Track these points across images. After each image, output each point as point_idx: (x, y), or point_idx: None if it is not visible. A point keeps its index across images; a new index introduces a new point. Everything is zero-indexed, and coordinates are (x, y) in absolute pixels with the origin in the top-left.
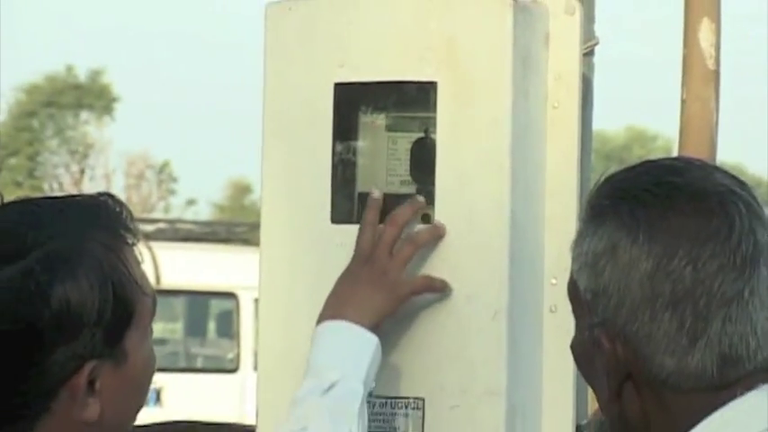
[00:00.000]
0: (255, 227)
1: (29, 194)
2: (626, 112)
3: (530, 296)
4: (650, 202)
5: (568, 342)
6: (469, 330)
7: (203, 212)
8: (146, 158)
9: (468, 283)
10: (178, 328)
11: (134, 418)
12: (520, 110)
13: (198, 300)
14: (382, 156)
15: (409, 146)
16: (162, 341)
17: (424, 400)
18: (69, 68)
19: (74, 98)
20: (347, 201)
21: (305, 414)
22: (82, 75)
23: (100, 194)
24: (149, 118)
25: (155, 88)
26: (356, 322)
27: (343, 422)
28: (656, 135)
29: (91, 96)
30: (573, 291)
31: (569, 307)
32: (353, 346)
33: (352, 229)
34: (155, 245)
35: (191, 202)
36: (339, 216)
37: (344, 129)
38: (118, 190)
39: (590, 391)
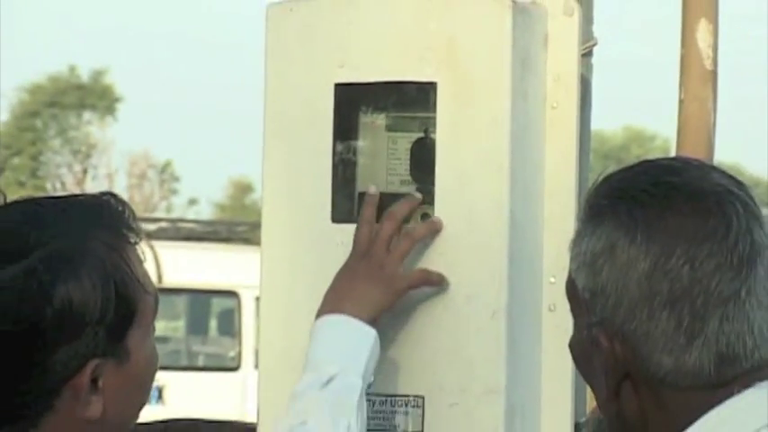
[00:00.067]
0: (256, 226)
1: (32, 194)
2: (624, 112)
3: (529, 295)
4: (648, 201)
5: (567, 341)
6: (469, 329)
7: (205, 212)
8: (148, 158)
9: (468, 283)
10: (180, 326)
11: (137, 416)
12: (519, 110)
13: (199, 298)
14: (382, 155)
15: (409, 146)
16: (164, 339)
17: (423, 398)
18: (72, 69)
19: (77, 98)
20: (347, 200)
21: (304, 408)
22: (85, 75)
23: (102, 194)
24: (151, 118)
25: (157, 89)
26: (354, 316)
27: (342, 415)
28: (654, 135)
29: (93, 97)
30: (571, 290)
31: (568, 306)
32: (352, 339)
33: (353, 229)
34: (157, 244)
35: (192, 202)
36: (339, 215)
37: (345, 129)
38: (120, 189)
39: (588, 389)
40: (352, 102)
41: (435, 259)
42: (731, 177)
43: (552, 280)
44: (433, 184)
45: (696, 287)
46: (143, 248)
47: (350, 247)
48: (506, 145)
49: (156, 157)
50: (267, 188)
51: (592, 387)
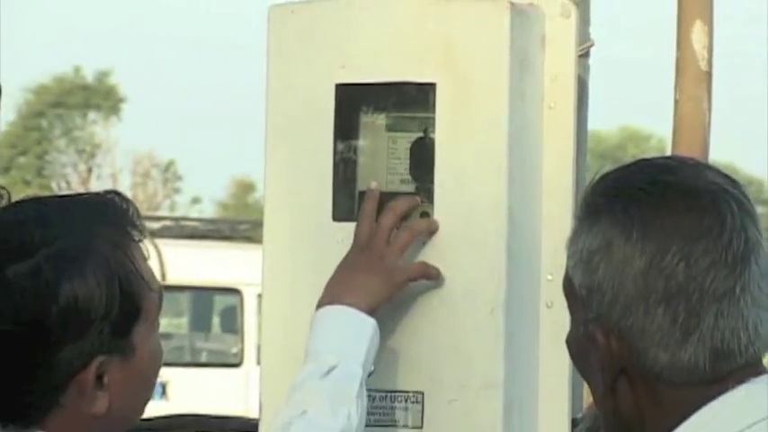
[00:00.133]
0: (258, 224)
1: (37, 193)
2: (620, 112)
3: (526, 292)
4: (644, 200)
5: (564, 337)
6: (467, 326)
7: (208, 210)
8: (151, 158)
9: (467, 280)
10: (183, 323)
11: (142, 411)
12: (517, 110)
13: (202, 295)
14: (382, 155)
15: (409, 145)
16: (167, 336)
17: (423, 393)
18: (77, 69)
19: (81, 99)
20: (348, 199)
21: (304, 398)
22: (89, 76)
23: (107, 192)
24: (155, 118)
25: (160, 89)
26: (354, 306)
27: (342, 405)
28: (650, 135)
29: (98, 97)
30: (568, 287)
31: (565, 303)
32: (351, 329)
33: (353, 227)
34: (160, 242)
35: (195, 201)
36: (340, 214)
37: (346, 128)
38: (124, 188)
39: (585, 385)
40: (353, 102)
41: (435, 257)
42: (726, 176)
43: (550, 277)
44: (432, 183)
45: (691, 284)
46: (147, 246)
47: (350, 245)
48: (504, 144)
49: (159, 157)
50: (269, 187)
51: (588, 383)
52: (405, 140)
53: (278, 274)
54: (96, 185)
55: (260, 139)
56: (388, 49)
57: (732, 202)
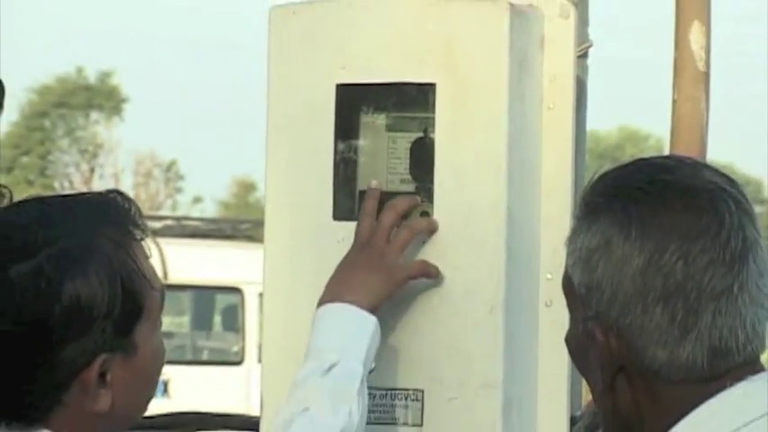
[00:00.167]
0: (259, 224)
1: (40, 192)
2: (619, 112)
3: (526, 291)
4: (643, 199)
5: (563, 336)
6: (467, 324)
7: (209, 210)
8: (153, 157)
9: (466, 279)
10: (185, 321)
11: (145, 409)
12: (516, 111)
13: (204, 294)
14: (383, 154)
15: (409, 145)
16: (169, 334)
17: (423, 391)
18: (80, 70)
19: (84, 99)
20: (348, 198)
21: (305, 395)
22: (92, 76)
23: (109, 191)
24: (157, 118)
25: (162, 90)
26: (355, 304)
27: (343, 402)
28: (648, 135)
29: (100, 97)
30: (567, 285)
31: (564, 301)
32: (352, 327)
33: (354, 226)
34: (162, 241)
35: (197, 200)
36: (341, 213)
37: (346, 128)
38: (127, 188)
39: (584, 382)
40: (354, 102)
41: (434, 256)
42: (723, 175)
43: (549, 276)
44: (432, 182)
45: (689, 282)
46: (149, 244)
47: (350, 244)
48: (504, 144)
49: (161, 157)
50: (270, 186)
51: (587, 380)
52: (405, 140)
53: (279, 273)
54: (99, 185)
55: (261, 138)
56: (389, 50)
57: (730, 201)
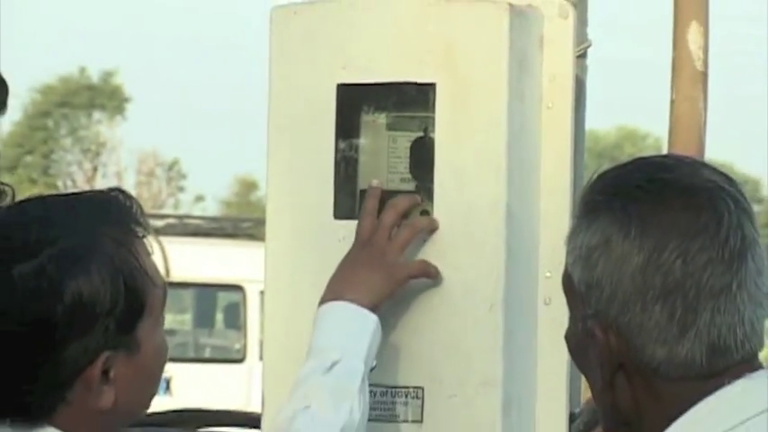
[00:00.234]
0: (261, 222)
1: (43, 191)
2: (617, 112)
3: (525, 289)
4: (642, 197)
5: (562, 333)
6: (467, 322)
7: (211, 208)
8: (156, 156)
9: (466, 277)
10: (187, 319)
11: (147, 406)
12: (515, 110)
13: (206, 292)
14: (383, 154)
15: (409, 144)
16: (171, 332)
17: (422, 389)
18: (82, 70)
19: (87, 98)
20: (349, 197)
21: (307, 393)
22: (94, 76)
23: (110, 190)
24: (159, 118)
25: (165, 89)
26: (356, 302)
27: (344, 400)
28: (647, 134)
29: (103, 97)
30: (567, 283)
31: (563, 300)
32: (353, 325)
33: (355, 225)
34: (164, 239)
35: (199, 199)
36: (341, 212)
37: (347, 127)
38: (129, 187)
39: (583, 380)
40: (354, 102)
41: (435, 255)
42: (722, 174)
43: (548, 274)
44: (432, 181)
45: (688, 280)
46: (151, 242)
47: (351, 243)
48: (503, 144)
49: (163, 156)
50: (271, 185)
51: (587, 378)
52: (405, 140)
53: (280, 271)
54: (101, 184)
55: (262, 138)
56: (389, 50)
57: (728, 199)
